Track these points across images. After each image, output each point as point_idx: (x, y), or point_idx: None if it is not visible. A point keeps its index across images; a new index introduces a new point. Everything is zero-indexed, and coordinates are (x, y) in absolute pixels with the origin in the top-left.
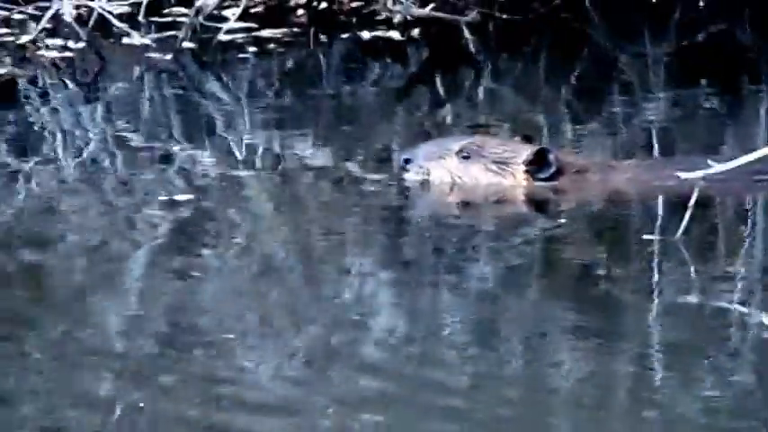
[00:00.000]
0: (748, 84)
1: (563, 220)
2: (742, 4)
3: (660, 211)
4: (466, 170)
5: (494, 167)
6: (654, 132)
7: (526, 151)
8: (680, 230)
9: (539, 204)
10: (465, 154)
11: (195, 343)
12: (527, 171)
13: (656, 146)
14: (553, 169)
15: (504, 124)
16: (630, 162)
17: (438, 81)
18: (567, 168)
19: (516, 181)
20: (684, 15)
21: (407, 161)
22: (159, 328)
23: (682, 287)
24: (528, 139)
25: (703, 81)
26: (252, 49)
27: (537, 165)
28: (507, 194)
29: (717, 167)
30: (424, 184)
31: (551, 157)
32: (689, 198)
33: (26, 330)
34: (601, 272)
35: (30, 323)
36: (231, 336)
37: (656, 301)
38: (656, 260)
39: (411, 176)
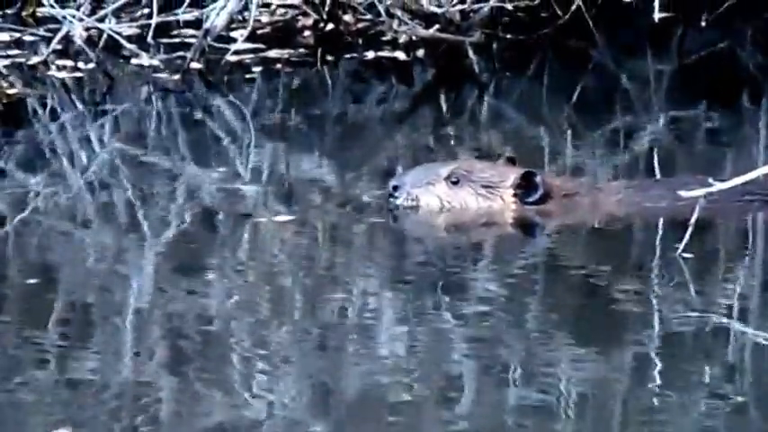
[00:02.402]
0: (750, 103)
1: (550, 243)
2: (744, 22)
3: (651, 231)
4: (455, 195)
5: (483, 192)
6: (655, 152)
7: (513, 175)
8: (680, 249)
9: (525, 227)
10: (454, 179)
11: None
12: (515, 195)
13: (656, 165)
14: (540, 192)
15: (506, 146)
16: (619, 183)
17: (443, 100)
18: (556, 191)
19: (505, 205)
20: (686, 34)
21: (396, 188)
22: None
23: (678, 306)
24: (511, 162)
25: (705, 100)
26: (259, 69)
27: (524, 188)
28: (496, 218)
29: (716, 186)
30: (414, 209)
31: (538, 180)
32: (680, 219)
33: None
34: (598, 292)
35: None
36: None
37: (652, 319)
38: (653, 279)
39: (400, 203)
